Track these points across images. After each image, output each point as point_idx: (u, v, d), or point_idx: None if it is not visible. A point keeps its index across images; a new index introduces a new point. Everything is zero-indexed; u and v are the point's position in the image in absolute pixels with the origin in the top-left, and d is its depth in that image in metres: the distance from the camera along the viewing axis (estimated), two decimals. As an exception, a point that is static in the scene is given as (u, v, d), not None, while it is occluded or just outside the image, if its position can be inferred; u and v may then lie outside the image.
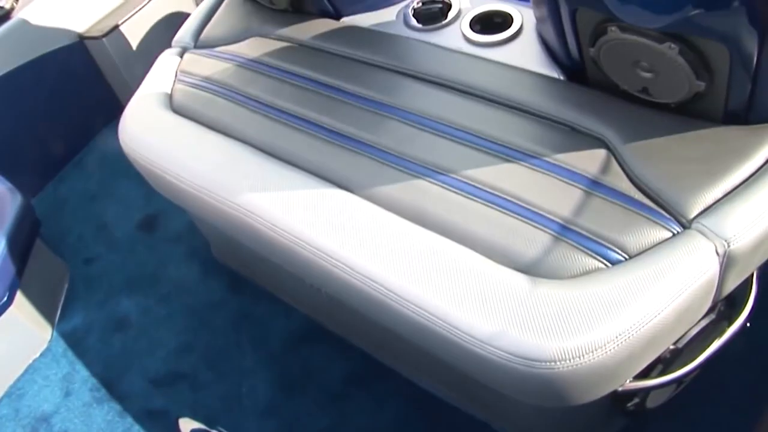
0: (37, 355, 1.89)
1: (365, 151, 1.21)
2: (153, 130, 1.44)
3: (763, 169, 1.01)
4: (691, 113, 1.08)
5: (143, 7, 2.38)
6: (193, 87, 1.49)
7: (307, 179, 1.21)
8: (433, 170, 1.13)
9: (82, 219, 2.26)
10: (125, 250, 2.12)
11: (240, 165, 1.28)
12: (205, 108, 1.43)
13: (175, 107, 1.48)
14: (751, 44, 0.89)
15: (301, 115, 1.33)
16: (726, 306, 1.16)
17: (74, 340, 1.92)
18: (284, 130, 1.31)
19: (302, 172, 1.23)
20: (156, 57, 1.66)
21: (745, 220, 0.95)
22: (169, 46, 1.71)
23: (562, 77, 1.23)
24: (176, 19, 2.46)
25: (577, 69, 1.19)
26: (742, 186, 0.99)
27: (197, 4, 2.50)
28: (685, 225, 0.98)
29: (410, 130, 1.22)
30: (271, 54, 1.49)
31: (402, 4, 1.50)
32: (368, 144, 1.22)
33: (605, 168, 1.06)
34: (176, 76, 1.56)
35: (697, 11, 0.87)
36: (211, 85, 1.47)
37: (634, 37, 0.98)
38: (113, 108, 2.50)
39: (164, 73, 1.58)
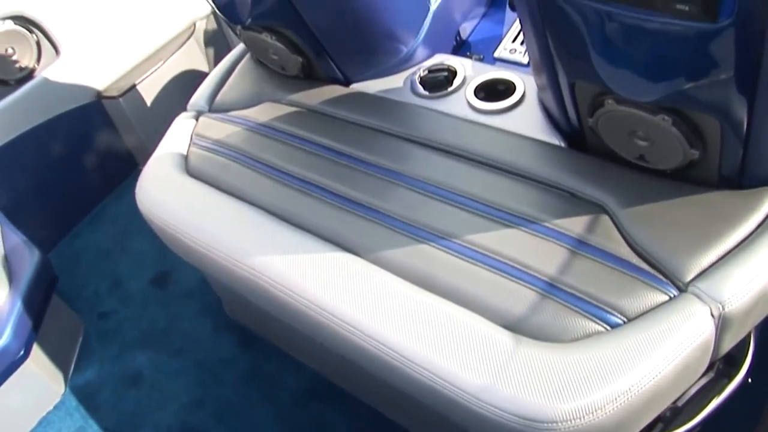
0: (51, 408, 1.91)
1: (374, 217, 1.25)
2: (169, 193, 1.48)
3: (755, 233, 1.05)
4: (686, 179, 1.12)
5: (159, 67, 2.44)
6: (207, 151, 1.54)
7: (317, 243, 1.25)
8: (439, 236, 1.17)
9: (96, 274, 2.29)
10: (139, 305, 2.15)
11: (253, 228, 1.32)
12: (220, 172, 1.48)
13: (190, 170, 1.53)
14: (741, 113, 0.93)
15: (312, 180, 1.37)
16: (725, 364, 1.19)
17: (87, 394, 1.95)
18: (296, 195, 1.35)
19: (313, 237, 1.27)
20: (171, 117, 1.71)
21: (738, 284, 0.98)
22: (183, 105, 1.76)
23: (563, 144, 1.27)
24: (190, 78, 2.53)
25: (577, 136, 1.23)
26: (735, 250, 1.03)
27: (211, 63, 2.59)
28: (682, 288, 1.01)
29: (417, 196, 1.26)
30: (283, 119, 1.54)
31: (409, 71, 1.56)
32: (377, 210, 1.26)
33: (604, 233, 1.10)
34: (191, 139, 1.61)
35: (686, 86, 0.92)
36: (226, 150, 1.52)
37: (630, 110, 1.03)
38: (128, 165, 2.56)
39: (180, 136, 1.63)
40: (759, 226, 1.06)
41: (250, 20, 1.51)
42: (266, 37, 1.53)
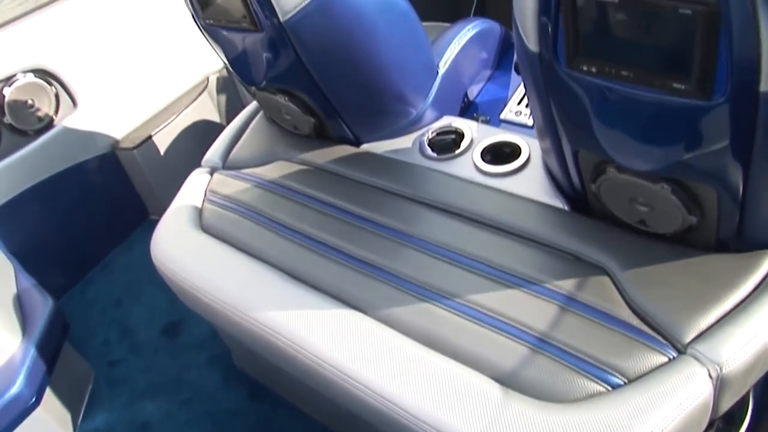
0: (60, 455, 1.94)
1: (382, 277, 1.28)
2: (183, 248, 1.52)
3: (752, 295, 1.07)
4: (685, 242, 1.15)
5: (173, 120, 2.50)
6: (221, 207, 1.58)
7: (326, 301, 1.28)
8: (444, 296, 1.21)
9: (107, 322, 2.32)
10: (149, 354, 2.18)
11: (264, 285, 1.35)
12: (233, 229, 1.52)
13: (204, 226, 1.57)
14: (736, 182, 0.96)
15: (323, 240, 1.41)
16: (724, 422, 1.21)
17: (97, 442, 1.97)
18: (307, 254, 1.39)
19: (322, 294, 1.30)
20: (183, 168, 1.75)
21: (736, 345, 1.00)
22: (196, 156, 1.81)
23: (566, 207, 1.31)
24: (203, 130, 2.59)
25: (580, 199, 1.27)
26: (733, 312, 1.05)
27: (223, 116, 2.65)
28: (681, 350, 1.03)
29: (425, 258, 1.29)
30: (295, 178, 1.59)
31: (418, 133, 1.60)
32: (385, 270, 1.30)
33: (606, 295, 1.13)
34: (206, 195, 1.65)
35: (684, 157, 0.96)
36: (239, 207, 1.56)
37: (631, 178, 1.06)
38: (140, 214, 2.61)
39: (195, 191, 1.67)
40: (755, 288, 1.08)
41: (264, 82, 1.56)
42: (280, 99, 1.57)
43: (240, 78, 1.65)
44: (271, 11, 1.31)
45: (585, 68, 0.93)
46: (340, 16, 1.34)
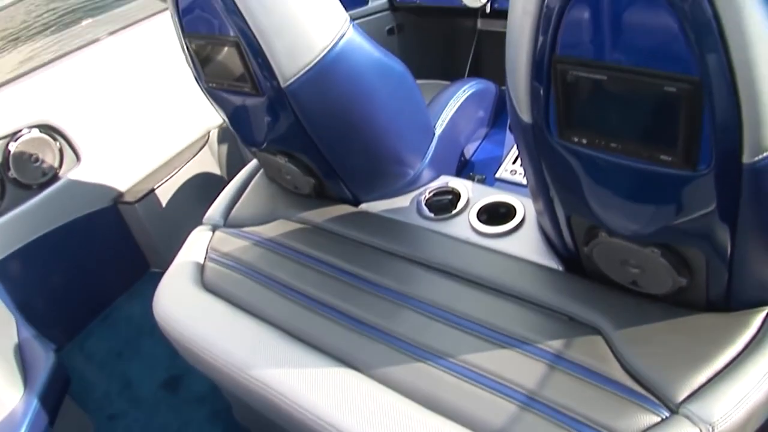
0: None
1: (381, 338, 1.31)
2: (185, 306, 1.54)
3: (743, 354, 1.09)
4: (677, 302, 1.18)
5: (174, 174, 2.54)
6: (222, 266, 1.61)
7: (326, 361, 1.30)
8: (441, 357, 1.23)
9: (108, 375, 2.32)
10: (149, 408, 2.18)
11: (265, 345, 1.37)
12: (234, 287, 1.54)
13: (205, 284, 1.59)
14: (724, 245, 0.99)
15: (322, 300, 1.43)
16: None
17: (96, 497, 1.97)
18: (307, 314, 1.41)
19: (322, 354, 1.32)
20: (184, 222, 1.78)
21: (728, 405, 1.02)
22: (197, 210, 1.85)
23: (560, 267, 1.33)
24: (204, 184, 2.63)
25: (574, 260, 1.30)
26: (724, 371, 1.07)
27: (224, 170, 2.68)
28: (673, 410, 1.05)
29: (422, 319, 1.32)
30: (295, 238, 1.62)
31: (416, 192, 1.63)
32: (384, 331, 1.32)
33: (599, 355, 1.15)
34: (207, 252, 1.68)
35: (672, 224, 0.99)
36: (240, 266, 1.59)
37: (621, 242, 1.09)
38: (141, 266, 2.63)
39: (196, 249, 1.70)
40: (746, 347, 1.10)
41: (265, 144, 1.60)
42: (280, 159, 1.61)
43: (242, 140, 1.68)
44: (272, 77, 1.35)
45: (576, 139, 0.96)
46: (339, 81, 1.38)
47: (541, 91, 0.96)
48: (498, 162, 1.77)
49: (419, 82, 1.61)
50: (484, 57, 2.72)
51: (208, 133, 2.69)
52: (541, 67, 0.93)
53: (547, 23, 0.89)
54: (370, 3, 2.70)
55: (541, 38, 0.91)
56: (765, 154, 0.84)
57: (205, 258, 1.66)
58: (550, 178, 1.10)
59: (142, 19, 2.57)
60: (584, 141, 0.95)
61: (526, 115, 1.02)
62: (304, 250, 1.57)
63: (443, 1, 2.44)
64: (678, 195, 0.94)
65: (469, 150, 1.85)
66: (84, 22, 2.92)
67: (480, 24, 2.58)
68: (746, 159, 0.85)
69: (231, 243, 1.67)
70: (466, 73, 2.69)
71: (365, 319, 1.36)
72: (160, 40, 2.49)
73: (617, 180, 0.98)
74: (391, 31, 2.77)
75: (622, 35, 0.84)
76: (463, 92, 1.83)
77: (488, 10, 2.27)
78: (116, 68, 2.41)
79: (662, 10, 0.78)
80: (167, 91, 2.53)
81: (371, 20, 2.71)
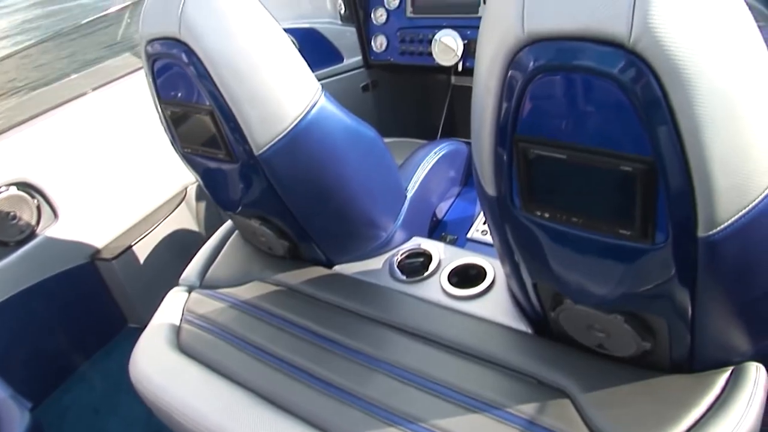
0: None
1: (353, 402, 1.32)
2: (161, 369, 1.54)
3: (706, 415, 1.11)
4: (643, 364, 1.20)
5: (152, 230, 2.54)
6: (198, 328, 1.62)
7: (300, 426, 1.30)
8: (413, 422, 1.24)
9: (84, 432, 2.33)
10: (126, 467, 2.18)
11: (239, 409, 1.37)
12: (209, 350, 1.55)
13: (181, 346, 1.60)
14: (684, 311, 1.02)
15: (296, 364, 1.44)
16: None
17: None
18: (281, 377, 1.42)
19: (296, 419, 1.32)
20: (162, 279, 1.79)
21: None
22: (175, 266, 1.86)
23: (529, 330, 1.36)
24: (182, 241, 2.64)
25: (542, 323, 1.33)
26: None
27: (201, 226, 2.70)
28: None
29: (394, 383, 1.33)
30: (269, 300, 1.63)
31: (389, 254, 1.66)
32: (356, 395, 1.33)
33: (568, 419, 1.17)
34: (183, 314, 1.69)
35: (632, 293, 1.03)
36: (215, 328, 1.60)
37: (586, 309, 1.12)
38: (118, 322, 2.63)
39: (172, 311, 1.71)
40: (710, 408, 1.12)
41: (239, 208, 1.62)
42: (254, 223, 1.63)
43: (216, 202, 1.71)
44: (246, 145, 1.38)
45: (539, 213, 1.00)
46: (312, 149, 1.41)
47: (504, 167, 0.99)
48: (470, 221, 1.81)
49: (393, 140, 1.65)
50: (458, 111, 2.76)
51: (186, 189, 2.71)
52: (504, 144, 0.97)
53: (508, 103, 0.93)
54: (345, 60, 2.75)
55: (502, 117, 0.95)
56: (719, 228, 0.87)
57: (181, 319, 1.68)
58: (515, 245, 1.13)
59: (121, 76, 2.60)
60: (546, 215, 0.99)
61: (490, 188, 1.05)
62: (279, 313, 1.59)
63: (416, 59, 2.49)
64: (638, 266, 0.97)
65: (441, 210, 1.89)
66: (65, 79, 2.95)
67: (454, 80, 2.63)
68: (701, 233, 0.88)
69: (207, 305, 1.68)
70: (440, 127, 2.73)
71: (338, 383, 1.37)
72: (138, 96, 2.52)
73: (579, 251, 1.01)
74: (366, 88, 2.82)
75: (579, 117, 0.88)
76: (434, 154, 1.87)
77: (460, 68, 2.32)
78: (94, 124, 2.43)
79: (615, 92, 0.82)
80: (145, 147, 2.55)
81: (347, 77, 2.76)
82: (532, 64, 0.87)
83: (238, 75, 1.31)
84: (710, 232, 0.88)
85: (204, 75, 1.33)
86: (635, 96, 0.81)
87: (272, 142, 1.36)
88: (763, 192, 0.87)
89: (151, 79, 1.46)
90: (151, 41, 1.41)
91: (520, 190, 0.99)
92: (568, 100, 0.87)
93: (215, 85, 1.33)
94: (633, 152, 0.85)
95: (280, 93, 1.35)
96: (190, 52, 1.33)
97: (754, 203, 0.87)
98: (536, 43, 0.87)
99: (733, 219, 0.87)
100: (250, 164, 1.42)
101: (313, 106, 1.38)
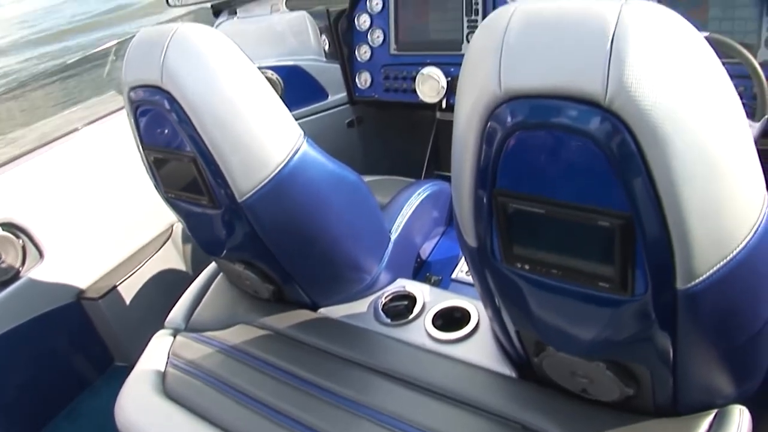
0: None
1: (340, 450, 1.32)
2: (146, 415, 1.54)
3: None
4: (627, 409, 1.20)
5: (138, 269, 2.54)
6: (184, 372, 1.61)
7: None
8: None
9: (70, 473, 2.30)
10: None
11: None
12: (195, 395, 1.54)
13: (167, 391, 1.59)
14: (666, 358, 1.03)
15: (281, 410, 1.43)
16: None
17: None
18: (265, 423, 1.41)
19: None
20: (149, 317, 1.79)
21: None
22: (161, 304, 1.87)
23: (514, 374, 1.36)
24: (168, 279, 2.63)
25: (526, 367, 1.33)
26: None
27: (188, 264, 2.70)
28: None
29: (378, 429, 1.33)
30: (255, 344, 1.63)
31: (373, 296, 1.66)
32: None
33: (552, 464, 1.18)
34: (169, 358, 1.69)
35: (613, 342, 1.03)
36: (201, 373, 1.59)
37: (568, 356, 1.13)
38: (105, 361, 2.61)
39: (158, 355, 1.70)
40: None
41: (224, 252, 1.62)
42: (238, 267, 1.63)
43: (200, 246, 1.71)
44: (229, 192, 1.39)
45: (519, 265, 1.00)
46: (295, 195, 1.42)
47: (484, 219, 1.00)
48: (454, 261, 1.81)
49: (378, 178, 1.65)
50: (443, 145, 2.77)
51: (172, 226, 2.71)
52: (483, 198, 0.97)
53: (487, 158, 0.93)
54: (330, 97, 2.76)
55: (481, 171, 0.95)
56: (697, 281, 0.88)
57: (167, 363, 1.67)
58: (497, 293, 1.13)
59: (106, 114, 2.61)
60: (527, 267, 0.99)
61: (470, 239, 1.06)
62: (264, 357, 1.58)
63: (401, 96, 2.50)
64: (618, 316, 0.98)
65: (426, 250, 1.89)
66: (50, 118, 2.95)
67: (439, 114, 2.64)
68: (680, 285, 0.89)
69: (192, 349, 1.68)
70: (426, 162, 2.74)
71: (321, 429, 1.37)
72: (122, 134, 2.52)
73: (560, 301, 1.01)
74: (351, 124, 2.83)
75: (557, 173, 0.89)
76: (417, 195, 1.88)
77: (444, 105, 2.33)
78: (79, 163, 2.43)
79: (592, 149, 0.83)
80: (130, 184, 2.54)
81: (332, 113, 2.77)
82: (509, 120, 0.88)
83: (220, 123, 1.32)
84: (689, 285, 0.89)
85: (186, 122, 1.33)
86: (612, 153, 0.82)
87: (255, 189, 1.37)
88: (740, 244, 0.88)
89: (134, 125, 1.47)
90: (134, 88, 1.41)
91: (500, 243, 1.00)
92: (545, 156, 0.88)
93: (197, 132, 1.33)
94: (610, 208, 0.86)
95: (262, 140, 1.36)
96: (172, 99, 1.33)
97: (731, 256, 0.88)
98: (513, 100, 0.87)
99: (711, 271, 0.88)
100: (233, 210, 1.42)
101: (296, 152, 1.39)
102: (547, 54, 0.84)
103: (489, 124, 0.91)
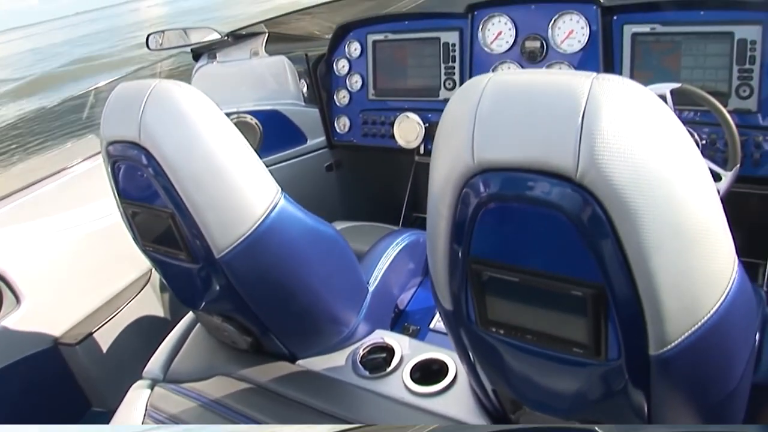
0: None
1: None
2: (125, 471, 1.54)
3: None
4: None
5: (116, 314, 2.53)
6: (162, 426, 1.61)
7: None
8: None
9: None
10: None
11: None
12: (174, 451, 1.54)
13: (145, 446, 1.59)
14: (641, 411, 1.03)
15: (261, 465, 1.44)
16: None
17: None
18: None
19: None
20: (126, 362, 1.78)
21: None
22: (139, 350, 1.88)
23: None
24: (146, 325, 2.62)
25: (503, 420, 1.34)
26: None
27: (167, 310, 2.69)
28: None
29: (358, 485, 1.34)
30: (233, 397, 1.62)
31: (351, 348, 1.67)
32: None
33: None
34: (147, 410, 1.68)
35: (588, 403, 1.05)
36: (179, 427, 1.59)
37: (543, 415, 1.14)
38: (82, 407, 2.59)
39: (135, 406, 1.69)
40: None
41: (202, 305, 1.62)
42: (216, 319, 1.64)
43: (180, 301, 1.71)
44: (206, 247, 1.39)
45: (493, 329, 1.01)
46: (272, 250, 1.43)
47: (459, 285, 1.01)
48: (432, 312, 1.82)
49: (356, 224, 1.66)
50: (422, 188, 2.79)
51: (150, 271, 2.70)
52: (457, 265, 0.98)
53: (461, 228, 0.95)
54: (309, 141, 2.77)
55: (455, 239, 0.97)
56: (669, 347, 0.89)
57: (144, 416, 1.66)
58: (472, 353, 1.14)
59: (83, 160, 2.62)
60: (501, 332, 1.00)
61: (446, 302, 1.07)
62: (242, 411, 1.58)
63: (379, 141, 2.52)
64: (592, 379, 0.99)
65: (403, 301, 1.90)
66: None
67: (417, 158, 2.65)
68: (653, 351, 0.90)
69: (171, 401, 1.67)
70: (404, 207, 2.75)
71: None
72: (99, 177, 2.52)
73: (534, 364, 1.03)
74: (329, 168, 2.84)
75: (530, 243, 0.90)
76: (395, 246, 1.89)
77: (422, 151, 2.35)
78: (55, 209, 2.43)
79: (564, 222, 0.84)
80: (107, 229, 2.54)
81: (311, 157, 2.77)
82: (483, 191, 0.89)
83: (197, 180, 1.33)
84: (661, 351, 0.90)
85: (163, 178, 1.34)
86: (583, 226, 0.83)
87: (233, 246, 1.38)
88: (711, 309, 0.89)
89: (112, 179, 1.47)
90: (112, 143, 1.42)
91: (475, 307, 1.01)
92: (518, 227, 0.90)
93: (175, 189, 1.34)
94: (583, 278, 0.87)
95: (240, 197, 1.36)
96: (149, 156, 1.34)
97: (701, 322, 0.89)
98: (487, 171, 0.89)
99: (683, 337, 0.89)
100: (210, 265, 1.43)
101: (273, 208, 1.40)
102: (518, 128, 0.85)
103: (463, 192, 0.92)
